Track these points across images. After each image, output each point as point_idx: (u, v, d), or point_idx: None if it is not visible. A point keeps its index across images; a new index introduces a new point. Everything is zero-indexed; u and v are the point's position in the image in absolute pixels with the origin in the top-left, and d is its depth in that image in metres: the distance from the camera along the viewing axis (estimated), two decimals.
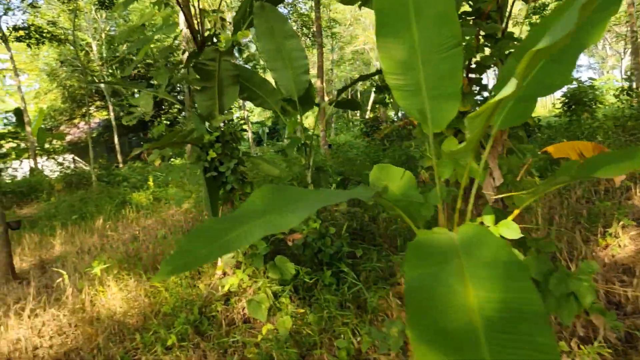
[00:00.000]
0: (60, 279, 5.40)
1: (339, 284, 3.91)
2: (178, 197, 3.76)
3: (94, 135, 29.70)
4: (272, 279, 3.65)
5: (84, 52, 27.04)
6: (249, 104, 34.38)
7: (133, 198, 13.18)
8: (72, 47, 24.95)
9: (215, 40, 4.03)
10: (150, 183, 13.31)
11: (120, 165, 24.62)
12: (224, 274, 4.00)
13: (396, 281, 3.82)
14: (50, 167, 23.70)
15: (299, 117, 4.67)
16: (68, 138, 29.65)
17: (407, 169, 2.47)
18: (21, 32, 17.79)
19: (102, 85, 23.96)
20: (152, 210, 11.00)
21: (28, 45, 18.54)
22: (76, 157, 28.02)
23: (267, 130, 37.93)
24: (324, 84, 37.01)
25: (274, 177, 4.19)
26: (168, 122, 30.86)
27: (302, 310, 3.57)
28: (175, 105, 30.70)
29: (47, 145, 26.12)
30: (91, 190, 15.35)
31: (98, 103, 29.59)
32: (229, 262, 3.89)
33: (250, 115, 37.84)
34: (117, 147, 25.66)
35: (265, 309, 3.33)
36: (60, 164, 21.60)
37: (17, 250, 8.20)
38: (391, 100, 13.23)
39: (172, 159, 27.15)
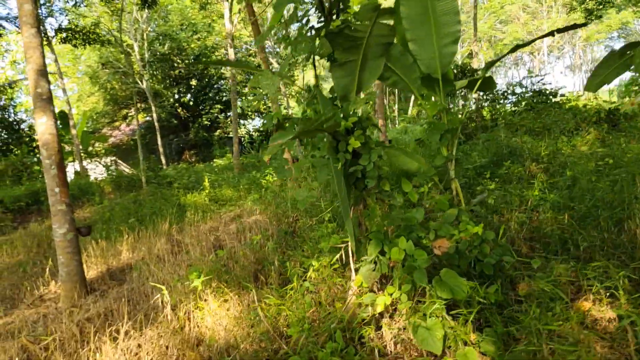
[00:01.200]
0: (125, 287, 4.77)
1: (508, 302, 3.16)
2: (302, 197, 3.10)
3: (136, 137, 29.58)
4: (433, 299, 2.92)
5: (124, 53, 26.87)
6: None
7: (188, 200, 12.68)
8: (116, 49, 24.78)
9: (341, 6, 3.34)
10: (206, 184, 12.76)
11: (164, 167, 24.28)
12: (368, 290, 3.29)
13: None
14: (94, 170, 23.55)
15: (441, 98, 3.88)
16: (110, 141, 29.55)
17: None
18: (66, 34, 17.54)
19: (145, 86, 23.66)
20: (212, 212, 10.43)
21: (74, 46, 18.30)
22: (118, 160, 27.90)
23: None
24: None
25: (412, 172, 3.46)
26: (208, 123, 30.56)
27: (474, 337, 2.83)
28: (217, 105, 30.36)
29: (90, 148, 26.00)
30: (142, 193, 14.93)
31: (139, 105, 29.39)
32: (370, 275, 3.18)
33: (293, 112, 37.27)
34: (160, 148, 25.33)
35: (439, 338, 2.61)
36: (108, 166, 21.42)
37: (83, 257, 7.68)
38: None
39: (215, 160, 26.77)
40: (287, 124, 3.64)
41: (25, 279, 8.01)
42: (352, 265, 3.46)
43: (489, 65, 3.83)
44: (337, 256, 3.69)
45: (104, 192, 16.56)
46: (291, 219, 6.26)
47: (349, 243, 3.48)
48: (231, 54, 19.41)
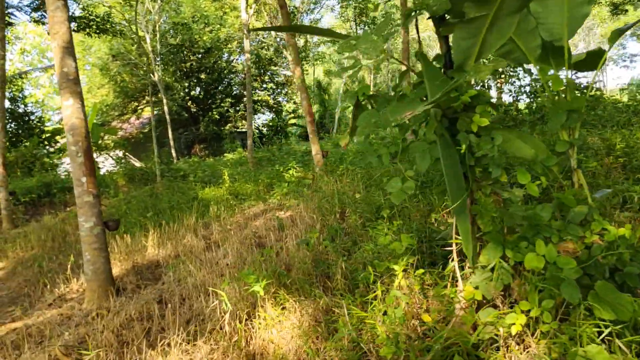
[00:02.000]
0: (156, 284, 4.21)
1: None
2: (396, 189, 2.57)
3: (146, 130, 29.03)
4: (587, 319, 2.33)
5: (136, 45, 26.30)
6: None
7: (206, 194, 12.14)
8: (127, 40, 24.23)
9: None
10: (226, 177, 12.20)
11: (175, 161, 23.71)
12: (478, 303, 2.70)
13: None
14: (104, 163, 23.02)
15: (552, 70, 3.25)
16: (119, 134, 29.02)
17: None
18: (79, 22, 16.98)
19: (157, 78, 23.08)
20: (235, 207, 9.89)
21: (88, 35, 17.75)
22: (127, 154, 27.40)
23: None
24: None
25: (526, 160, 2.87)
26: (219, 117, 30.00)
27: None
28: (228, 99, 29.78)
29: (100, 141, 25.52)
30: (157, 186, 14.38)
31: (149, 98, 28.85)
32: (489, 286, 2.60)
33: (300, 109, 36.71)
34: (171, 142, 24.76)
35: None
36: (119, 160, 20.89)
37: None
38: None
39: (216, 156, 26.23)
40: (373, 102, 3.06)
41: (42, 276, 7.49)
42: (457, 273, 2.88)
43: (616, 35, 3.21)
44: (451, 265, 3.08)
45: (117, 185, 16.03)
46: (337, 214, 5.68)
47: (454, 245, 2.90)
48: (247, 45, 18.86)
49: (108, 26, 17.22)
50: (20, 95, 24.01)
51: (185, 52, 26.92)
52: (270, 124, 33.97)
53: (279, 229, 6.17)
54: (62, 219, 11.41)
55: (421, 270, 3.37)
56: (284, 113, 34.98)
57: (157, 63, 24.61)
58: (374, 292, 3.44)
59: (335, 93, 40.56)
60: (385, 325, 2.92)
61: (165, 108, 23.88)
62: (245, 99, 31.39)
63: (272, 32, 23.73)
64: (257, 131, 33.24)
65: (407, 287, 3.17)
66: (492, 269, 2.69)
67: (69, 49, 5.40)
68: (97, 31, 16.86)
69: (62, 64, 5.36)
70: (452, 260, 2.97)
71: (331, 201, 5.91)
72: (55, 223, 11.09)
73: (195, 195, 12.23)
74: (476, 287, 2.73)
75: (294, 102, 34.81)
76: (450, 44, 2.85)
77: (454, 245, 2.91)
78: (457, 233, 2.86)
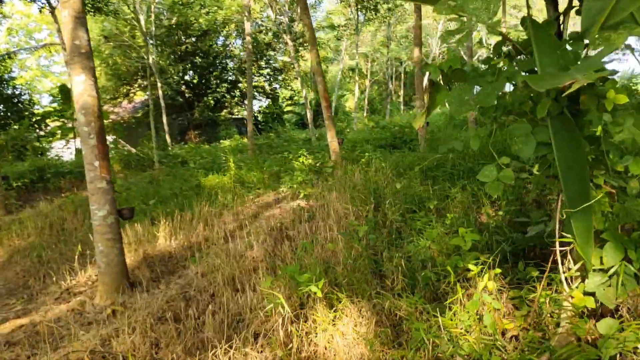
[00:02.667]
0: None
1: None
2: (491, 178, 2.18)
3: (139, 115, 28.34)
4: None
5: (129, 26, 25.53)
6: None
7: (209, 181, 11.66)
8: (119, 20, 23.49)
9: None
10: (231, 164, 11.71)
11: (170, 147, 23.09)
12: (597, 315, 2.31)
13: None
14: None
15: None
16: (110, 118, 28.26)
17: None
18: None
19: (151, 61, 22.37)
20: (243, 196, 9.44)
21: None
22: (118, 139, 26.76)
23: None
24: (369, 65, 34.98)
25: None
26: (213, 102, 29.37)
27: None
28: (223, 84, 29.14)
29: None
30: (156, 173, 13.85)
31: (143, 82, 28.09)
32: (609, 294, 2.21)
33: (297, 96, 36.17)
34: (166, 127, 24.12)
35: None
36: (116, 144, 20.29)
37: None
38: None
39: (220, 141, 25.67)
40: (454, 77, 2.63)
41: (42, 266, 7.03)
42: (562, 276, 2.48)
43: None
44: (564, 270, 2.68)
45: (113, 171, 15.46)
46: (372, 205, 5.25)
47: (557, 243, 2.50)
48: (247, 28, 18.27)
49: (103, 4, 16.51)
50: (7, 76, 23.22)
51: (180, 34, 26.19)
52: (267, 110, 33.37)
53: (307, 219, 5.73)
54: (59, 205, 10.87)
55: (497, 270, 2.97)
56: (280, 100, 34.39)
57: (152, 45, 23.89)
58: (442, 293, 3.03)
59: (331, 80, 40.01)
60: (474, 334, 2.52)
61: (160, 92, 23.19)
62: (240, 84, 30.80)
63: (272, 15, 23.08)
64: (253, 118, 32.60)
65: (493, 290, 2.77)
66: (610, 273, 2.30)
67: (80, 19, 4.90)
68: (92, 10, 16.15)
69: (73, 36, 4.85)
70: (547, 262, 2.57)
71: (363, 191, 5.49)
72: (52, 210, 10.55)
73: (198, 182, 11.75)
74: (589, 294, 2.34)
75: (292, 89, 34.22)
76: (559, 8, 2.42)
77: (557, 244, 2.51)
78: (564, 230, 2.46)
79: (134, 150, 20.26)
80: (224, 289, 4.23)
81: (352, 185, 5.90)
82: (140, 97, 30.38)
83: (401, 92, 42.89)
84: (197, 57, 27.91)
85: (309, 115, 22.97)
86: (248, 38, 18.10)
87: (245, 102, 33.19)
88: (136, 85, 28.76)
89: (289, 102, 35.48)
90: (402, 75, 43.07)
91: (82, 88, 4.88)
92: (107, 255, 5.00)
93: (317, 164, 9.61)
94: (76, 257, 6.22)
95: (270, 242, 5.17)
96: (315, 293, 3.01)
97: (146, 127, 29.04)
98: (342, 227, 4.85)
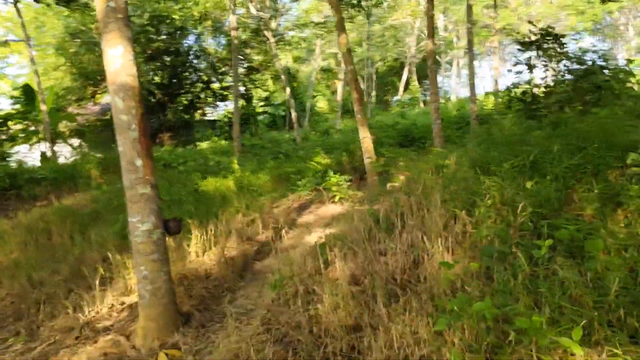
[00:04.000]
0: None
1: None
2: None
3: (108, 116, 26.58)
4: None
5: (95, 22, 23.79)
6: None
7: (208, 185, 10.48)
8: (85, 14, 21.83)
9: None
10: (236, 166, 10.55)
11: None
12: None
13: None
14: (60, 153, 20.61)
15: None
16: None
17: None
18: None
19: None
20: (257, 202, 8.34)
21: (47, 5, 15.50)
22: (83, 142, 25.06)
23: (283, 113, 35.04)
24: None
25: None
26: (187, 102, 27.96)
27: None
28: (198, 84, 27.73)
29: (58, 128, 23.08)
30: None
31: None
32: None
33: (272, 97, 35.01)
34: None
35: None
36: (75, 148, 18.70)
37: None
38: None
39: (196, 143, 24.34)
40: None
41: (34, 289, 5.80)
42: None
43: None
44: None
45: (90, 176, 13.97)
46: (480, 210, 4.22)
47: None
48: (233, 22, 17.13)
49: None
50: None
51: (152, 32, 24.67)
52: (241, 111, 32.05)
53: (386, 229, 4.64)
54: (40, 215, 9.43)
55: None
56: (254, 100, 33.14)
57: None
58: None
59: (304, 81, 39.01)
60: None
61: None
62: (214, 84, 29.45)
63: (252, 10, 21.88)
64: (226, 119, 31.33)
65: None
66: None
67: None
68: (62, 2, 14.63)
69: None
70: None
71: (458, 192, 4.48)
72: (33, 221, 9.12)
73: (197, 187, 10.55)
74: None
75: (267, 89, 33.01)
76: None
77: None
78: None
79: (98, 156, 18.63)
80: (332, 329, 3.15)
81: (424, 184, 4.87)
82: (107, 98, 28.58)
83: (373, 93, 42.23)
84: (169, 56, 26.43)
85: (293, 115, 21.92)
86: (234, 32, 16.97)
87: (219, 103, 31.92)
88: (103, 85, 26.98)
89: (264, 102, 34.24)
90: (374, 75, 42.44)
91: (119, 64, 3.72)
92: (153, 281, 3.84)
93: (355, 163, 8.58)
94: (97, 281, 4.99)
95: (364, 258, 4.09)
96: (571, 348, 1.97)
97: (109, 130, 27.28)
98: (457, 239, 3.83)
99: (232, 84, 30.68)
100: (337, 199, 7.42)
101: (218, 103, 32.22)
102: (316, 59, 32.86)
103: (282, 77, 22.56)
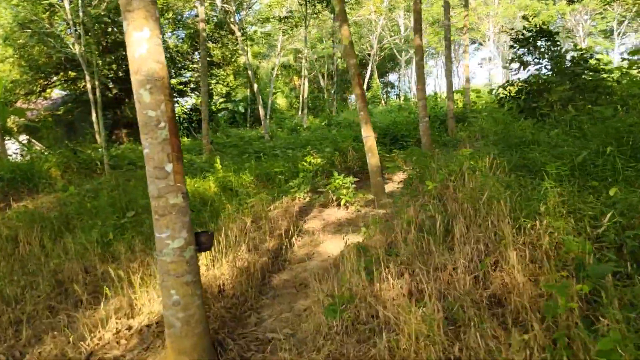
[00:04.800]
0: None
1: None
2: None
3: (60, 112, 25.09)
4: None
5: (48, 12, 22.42)
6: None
7: (187, 186, 9.72)
8: (35, 4, 20.45)
9: None
10: (218, 166, 9.87)
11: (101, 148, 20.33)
12: None
13: None
14: (12, 150, 19.29)
15: None
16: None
17: None
18: None
19: (77, 52, 19.62)
20: (247, 203, 7.76)
21: None
22: (32, 139, 23.55)
23: (242, 110, 34.23)
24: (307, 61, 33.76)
25: None
26: None
27: None
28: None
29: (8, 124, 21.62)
30: (113, 177, 11.56)
31: (63, 75, 24.86)
32: None
33: (233, 93, 34.12)
34: (96, 126, 21.30)
35: None
36: (25, 145, 17.40)
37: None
38: None
39: None
40: None
41: (6, 307, 5.10)
42: None
43: None
44: None
45: (50, 176, 12.90)
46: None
47: None
48: (201, 13, 16.36)
49: None
50: None
51: (108, 23, 23.38)
52: (200, 108, 31.02)
53: (415, 240, 4.16)
54: (2, 221, 8.47)
55: None
56: (215, 97, 32.18)
57: (76, 33, 20.98)
58: None
59: (264, 77, 38.24)
60: None
61: (88, 86, 20.37)
62: (173, 79, 28.31)
63: (218, 2, 21.02)
64: (186, 116, 30.33)
65: None
66: None
67: None
68: None
69: None
70: None
71: (516, 198, 4.06)
72: None
73: None
74: None
75: (227, 85, 32.06)
76: None
77: None
78: None
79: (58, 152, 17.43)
80: None
81: (476, 190, 4.44)
82: (58, 93, 26.99)
83: (332, 90, 41.89)
84: (126, 49, 25.13)
85: (261, 112, 21.27)
86: (202, 24, 16.19)
87: (178, 99, 30.75)
88: (55, 79, 25.43)
89: (224, 99, 33.29)
90: (334, 72, 42.15)
91: (144, 50, 3.11)
92: (186, 308, 3.24)
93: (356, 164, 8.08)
94: (102, 302, 4.33)
95: (419, 274, 3.61)
96: None
97: (67, 126, 25.76)
98: (532, 253, 3.41)
99: (190, 79, 29.75)
100: (343, 202, 6.92)
101: (178, 99, 31.09)
102: (277, 55, 32.13)
103: (249, 72, 21.82)
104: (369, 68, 35.20)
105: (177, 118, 18.89)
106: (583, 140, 5.23)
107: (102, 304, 4.64)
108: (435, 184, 4.83)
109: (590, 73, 8.78)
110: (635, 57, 8.79)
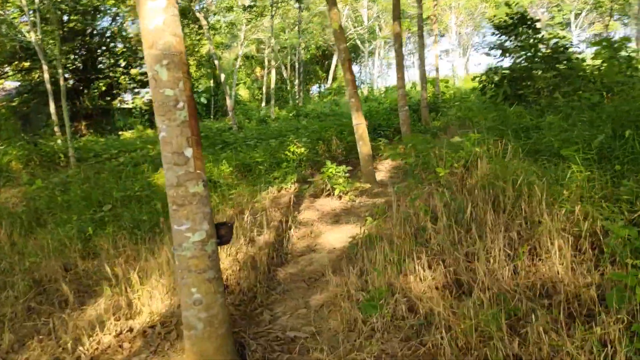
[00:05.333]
0: None
1: None
2: None
3: (14, 103, 23.86)
4: None
5: None
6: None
7: (160, 177, 9.35)
8: None
9: None
10: None
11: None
12: None
13: None
14: None
15: None
16: None
17: None
18: None
19: (33, 40, 18.63)
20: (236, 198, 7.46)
21: None
22: None
23: (205, 101, 33.48)
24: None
25: None
26: (105, 88, 25.79)
27: None
28: (119, 69, 25.60)
29: None
30: (81, 170, 10.96)
31: (17, 64, 23.63)
32: None
33: (196, 84, 33.28)
34: (54, 117, 20.32)
35: None
36: None
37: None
38: None
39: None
40: None
41: None
42: None
43: None
44: None
45: (11, 170, 12.16)
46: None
47: None
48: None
49: None
50: None
51: (66, 10, 22.30)
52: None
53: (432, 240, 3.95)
54: None
55: None
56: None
57: (32, 21, 19.93)
58: None
59: (227, 68, 37.47)
60: None
61: (46, 76, 19.37)
62: (133, 70, 27.35)
63: None
64: (138, 110, 29.35)
65: None
66: None
67: None
68: None
69: None
70: None
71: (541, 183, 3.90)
72: None
73: (149, 181, 9.39)
74: None
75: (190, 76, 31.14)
76: None
77: None
78: None
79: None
80: None
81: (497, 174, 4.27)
82: (15, 79, 25.64)
83: (296, 81, 41.51)
84: (85, 38, 24.10)
85: (228, 103, 20.75)
86: None
87: (140, 90, 29.72)
88: (8, 69, 24.15)
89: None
90: (297, 63, 41.76)
91: (160, 21, 2.78)
92: (209, 307, 2.95)
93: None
94: (90, 302, 3.98)
95: (451, 265, 3.41)
96: None
97: (22, 118, 24.46)
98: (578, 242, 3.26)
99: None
100: (337, 192, 6.68)
101: (139, 90, 30.06)
102: (240, 45, 31.45)
103: (216, 62, 21.24)
104: (334, 58, 34.94)
105: (139, 110, 18.30)
106: (589, 125, 5.14)
107: (90, 304, 4.29)
108: (447, 171, 4.64)
109: (570, 62, 8.83)
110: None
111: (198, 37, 27.83)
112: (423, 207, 4.23)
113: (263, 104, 33.08)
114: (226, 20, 29.59)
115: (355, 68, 51.74)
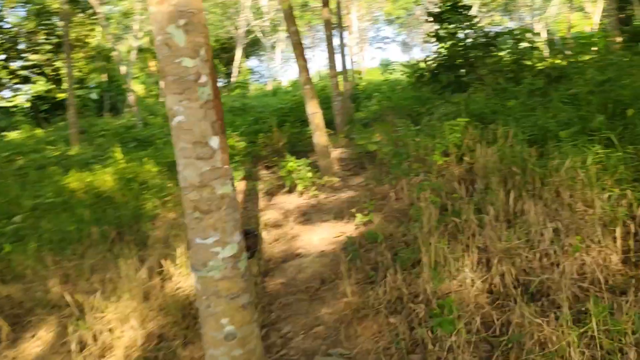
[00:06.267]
0: None
1: None
2: None
3: None
4: None
5: None
6: None
7: (74, 182, 8.24)
8: None
9: None
10: (118, 155, 8.40)
11: None
12: None
13: None
14: None
15: None
16: None
17: None
18: None
19: None
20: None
21: None
22: None
23: (96, 96, 31.15)
24: None
25: None
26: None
27: None
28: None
29: None
30: None
31: None
32: None
33: (86, 79, 30.67)
34: None
35: None
36: None
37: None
38: None
39: None
40: None
41: None
42: None
43: None
44: None
45: None
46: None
47: None
48: None
49: None
50: None
51: None
52: (48, 95, 27.47)
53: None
54: None
55: None
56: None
57: None
58: None
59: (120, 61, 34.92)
60: None
61: None
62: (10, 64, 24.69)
63: None
64: (29, 104, 26.67)
65: None
66: None
67: None
68: None
69: None
70: None
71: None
72: None
73: (62, 185, 8.22)
74: None
75: (80, 70, 28.67)
76: None
77: None
78: None
79: None
80: None
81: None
82: None
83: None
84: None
85: (131, 98, 19.22)
86: None
87: (21, 85, 26.87)
88: None
89: (77, 85, 29.76)
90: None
91: None
92: (245, 341, 2.29)
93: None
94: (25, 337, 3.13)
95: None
96: None
97: None
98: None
99: (37, 62, 26.02)
100: (300, 187, 6.10)
101: (20, 86, 27.12)
102: (135, 37, 29.41)
103: (115, 54, 19.56)
104: (238, 51, 33.82)
105: (22, 108, 16.33)
106: (571, 107, 5.03)
107: (26, 339, 3.42)
108: (445, 158, 4.26)
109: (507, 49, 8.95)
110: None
111: (92, 27, 25.67)
112: (433, 198, 3.80)
113: (160, 98, 31.24)
114: (119, 10, 27.52)
115: (253, 62, 50.70)
